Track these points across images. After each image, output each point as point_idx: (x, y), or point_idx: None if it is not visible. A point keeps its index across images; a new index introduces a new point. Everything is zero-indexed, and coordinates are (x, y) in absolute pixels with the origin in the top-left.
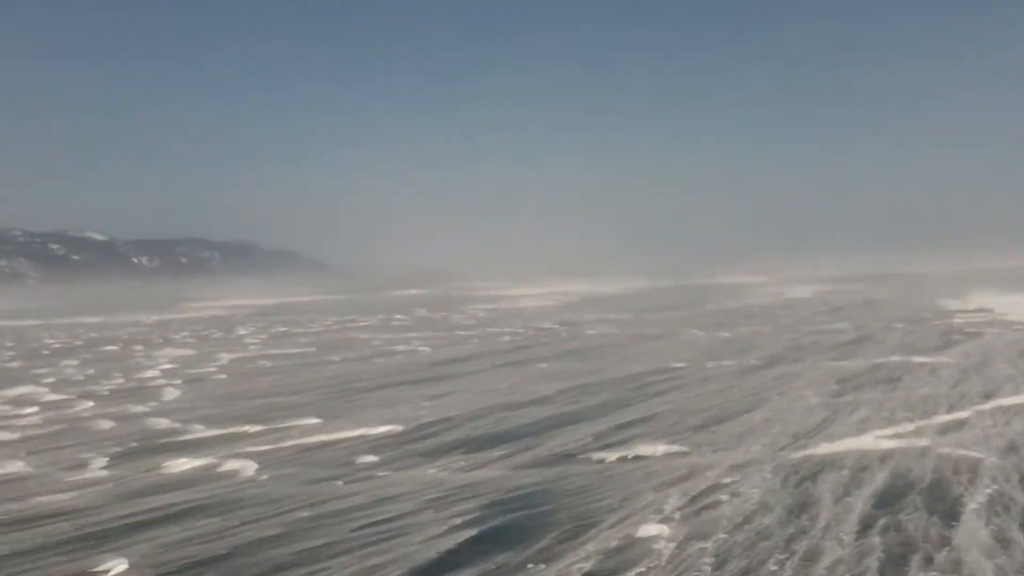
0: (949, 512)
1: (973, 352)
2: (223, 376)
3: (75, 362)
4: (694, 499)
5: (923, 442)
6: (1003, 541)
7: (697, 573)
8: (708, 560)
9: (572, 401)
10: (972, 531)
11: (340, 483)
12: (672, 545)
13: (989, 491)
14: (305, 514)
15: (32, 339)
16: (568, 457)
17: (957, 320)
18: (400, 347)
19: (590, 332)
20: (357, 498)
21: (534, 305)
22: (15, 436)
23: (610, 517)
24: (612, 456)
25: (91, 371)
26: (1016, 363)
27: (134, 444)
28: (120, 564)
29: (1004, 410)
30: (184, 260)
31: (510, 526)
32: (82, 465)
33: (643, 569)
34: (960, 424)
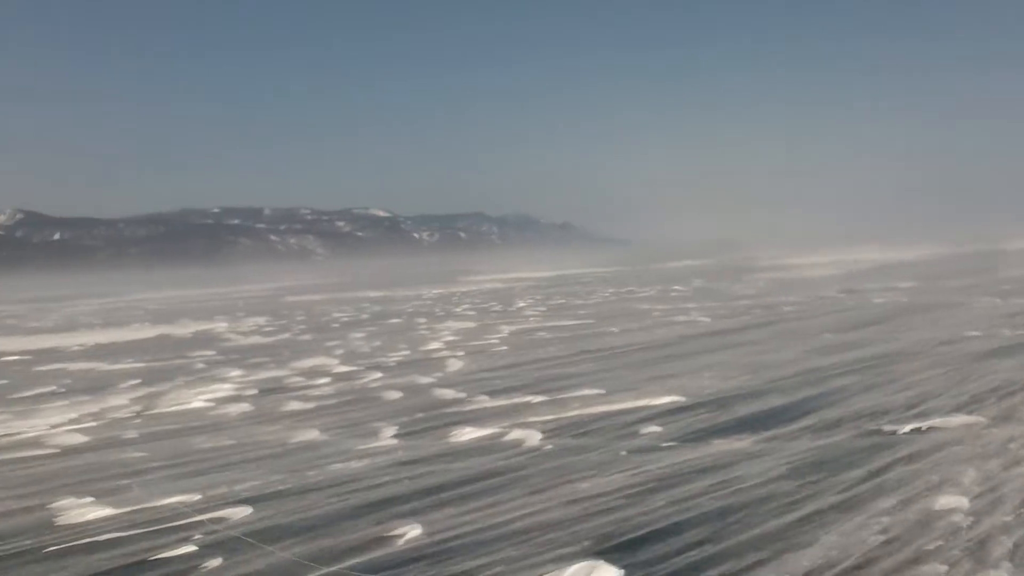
0: None
1: None
2: (504, 348)
3: (362, 335)
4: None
5: None
6: None
7: None
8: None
9: (855, 372)
10: None
11: (624, 453)
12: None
13: None
14: (585, 485)
15: (321, 313)
16: (860, 430)
17: None
18: (679, 317)
19: (877, 300)
20: (640, 469)
21: (817, 274)
22: (310, 406)
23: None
24: (905, 428)
25: (377, 343)
26: None
27: (421, 414)
28: (414, 529)
29: None
30: (463, 234)
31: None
32: (373, 434)
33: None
34: None
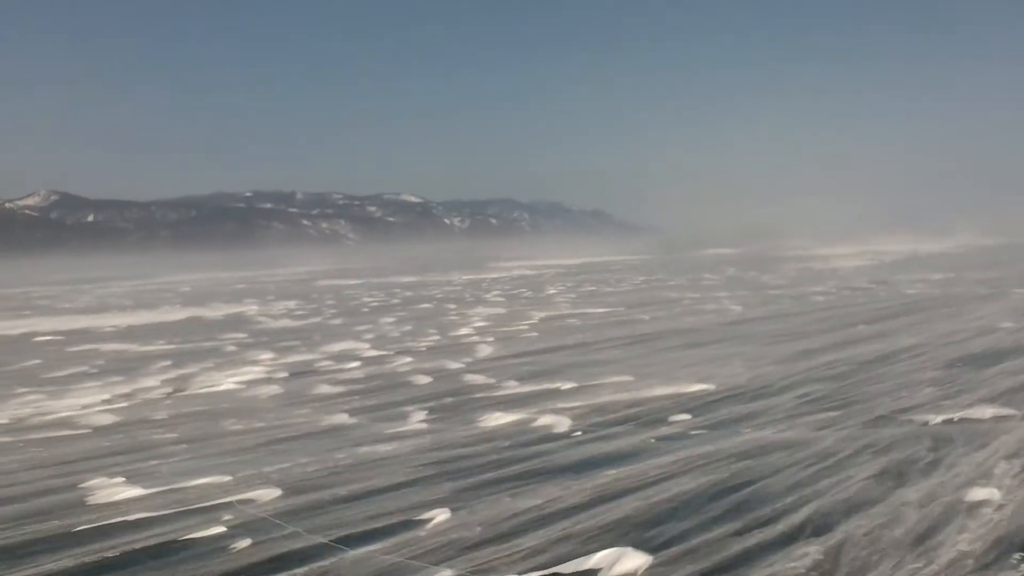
0: None
1: None
2: (534, 334)
3: (392, 319)
4: None
5: None
6: None
7: None
8: None
9: (886, 362)
10: None
11: (653, 441)
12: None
13: None
14: (613, 472)
15: (352, 298)
16: (888, 421)
17: None
18: (710, 306)
19: (909, 292)
20: (669, 457)
21: (848, 264)
22: (339, 389)
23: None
24: (937, 419)
25: (407, 328)
26: None
27: (450, 399)
28: (442, 513)
29: None
30: (494, 221)
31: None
32: (402, 418)
33: None
34: None
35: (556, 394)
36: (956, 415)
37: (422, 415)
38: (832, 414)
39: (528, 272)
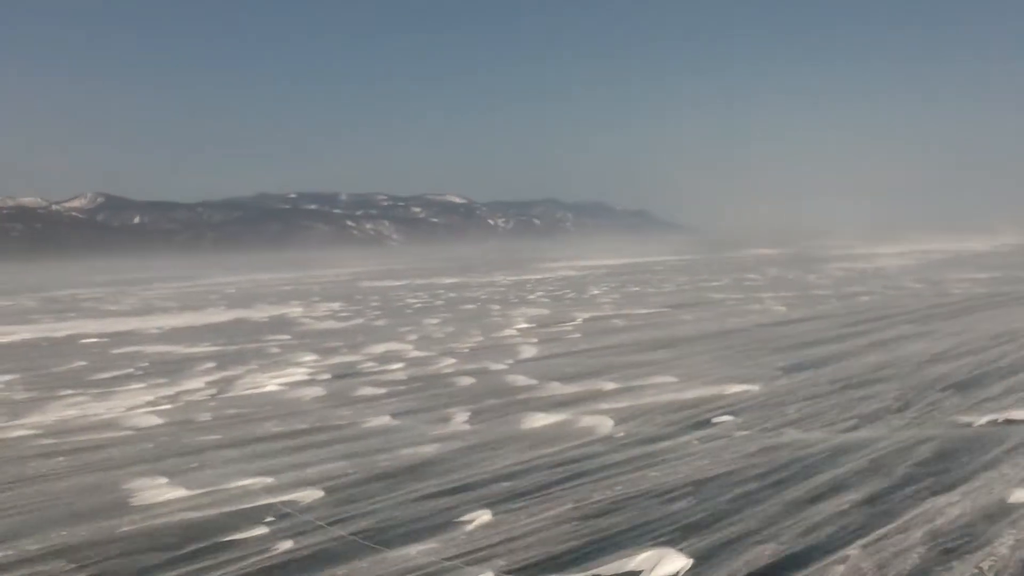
0: None
1: None
2: (578, 335)
3: (436, 320)
4: None
5: None
6: None
7: None
8: None
9: (934, 363)
10: None
11: (696, 442)
12: None
13: None
14: (655, 473)
15: (395, 299)
16: (937, 421)
17: None
18: (754, 307)
19: (955, 291)
20: (710, 459)
21: (893, 264)
22: (382, 391)
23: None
24: (982, 419)
25: (451, 329)
26: None
27: (493, 400)
28: (483, 515)
29: None
30: (537, 221)
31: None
32: (444, 419)
33: None
34: None
35: (599, 395)
36: (1001, 416)
37: (465, 416)
38: (876, 417)
39: (572, 273)
